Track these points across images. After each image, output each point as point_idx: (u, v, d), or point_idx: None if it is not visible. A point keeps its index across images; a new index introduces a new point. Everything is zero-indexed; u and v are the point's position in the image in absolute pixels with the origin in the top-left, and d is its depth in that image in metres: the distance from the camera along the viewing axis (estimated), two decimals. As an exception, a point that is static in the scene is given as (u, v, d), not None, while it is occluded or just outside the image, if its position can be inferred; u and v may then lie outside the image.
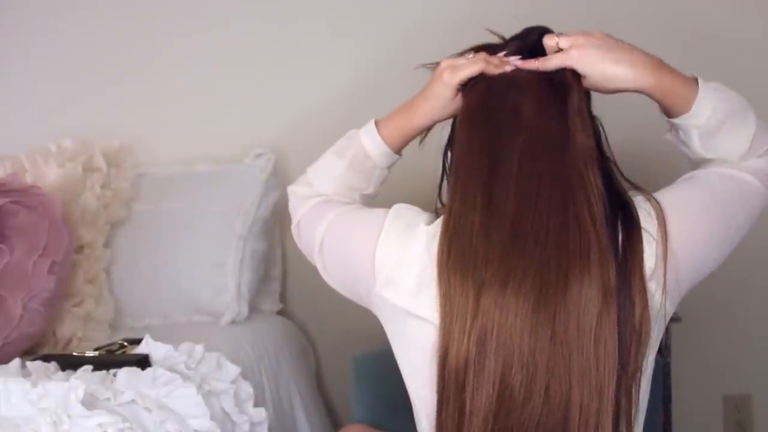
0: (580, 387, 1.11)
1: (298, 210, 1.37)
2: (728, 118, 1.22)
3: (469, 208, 1.17)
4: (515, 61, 1.24)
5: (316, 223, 1.32)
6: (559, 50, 1.22)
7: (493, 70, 1.24)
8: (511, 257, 1.13)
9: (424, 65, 1.35)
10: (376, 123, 1.34)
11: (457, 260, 1.14)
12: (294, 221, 1.38)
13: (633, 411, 1.15)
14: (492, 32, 1.33)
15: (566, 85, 1.22)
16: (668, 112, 1.25)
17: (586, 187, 1.16)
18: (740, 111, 1.24)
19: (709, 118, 1.21)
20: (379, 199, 1.38)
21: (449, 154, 1.32)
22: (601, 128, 1.26)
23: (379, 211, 1.26)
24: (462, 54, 1.29)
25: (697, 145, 1.24)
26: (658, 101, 1.25)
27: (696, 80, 1.23)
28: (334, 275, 1.32)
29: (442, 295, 1.15)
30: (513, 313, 1.11)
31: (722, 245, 1.22)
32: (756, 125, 1.24)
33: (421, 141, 1.37)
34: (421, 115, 1.31)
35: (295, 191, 1.40)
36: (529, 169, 1.16)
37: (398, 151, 1.36)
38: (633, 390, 1.15)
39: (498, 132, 1.20)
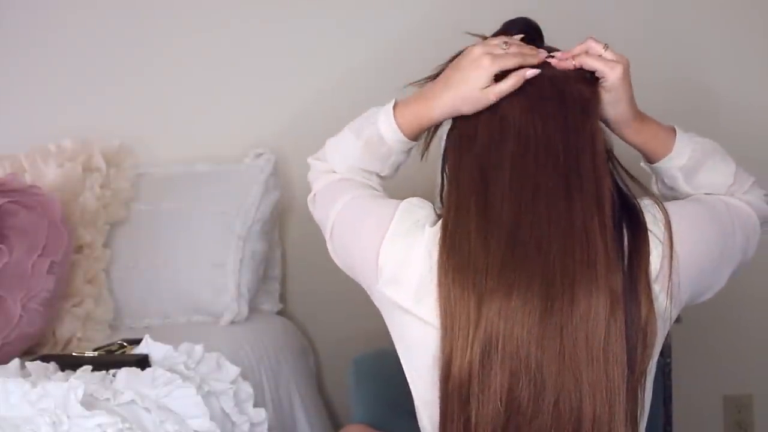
0: (592, 401, 1.10)
1: (316, 183, 1.35)
2: (708, 157, 1.28)
3: (464, 216, 1.15)
4: (557, 62, 1.23)
5: (329, 203, 1.30)
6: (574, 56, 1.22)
7: (531, 60, 1.21)
8: (513, 265, 1.12)
9: (413, 83, 1.32)
10: (396, 106, 1.28)
11: (456, 268, 1.13)
12: (312, 192, 1.36)
13: (639, 412, 1.15)
14: (472, 34, 1.31)
15: (585, 88, 1.22)
16: (651, 157, 1.29)
17: (599, 193, 1.15)
18: (719, 152, 1.30)
19: (690, 158, 1.27)
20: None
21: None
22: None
23: (390, 205, 1.23)
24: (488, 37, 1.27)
25: (683, 185, 1.29)
26: (640, 145, 1.29)
27: (673, 128, 1.29)
28: (340, 257, 1.30)
29: (443, 308, 1.14)
30: (519, 324, 1.10)
31: (719, 262, 1.23)
32: (735, 164, 1.29)
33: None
34: (444, 106, 1.23)
35: (314, 165, 1.37)
36: (522, 176, 1.15)
37: (415, 138, 1.29)
38: (639, 391, 1.15)
39: (485, 145, 1.19)
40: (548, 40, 1.32)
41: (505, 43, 1.22)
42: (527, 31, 1.27)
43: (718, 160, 1.28)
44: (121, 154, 2.24)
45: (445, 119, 1.26)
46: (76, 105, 2.34)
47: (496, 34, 1.29)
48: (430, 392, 1.17)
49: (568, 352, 1.10)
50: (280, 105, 2.31)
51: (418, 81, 1.31)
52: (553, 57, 1.23)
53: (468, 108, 1.21)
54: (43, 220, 1.87)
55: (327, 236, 1.30)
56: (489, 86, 1.20)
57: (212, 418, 1.47)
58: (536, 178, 1.15)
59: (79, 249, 2.04)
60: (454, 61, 1.25)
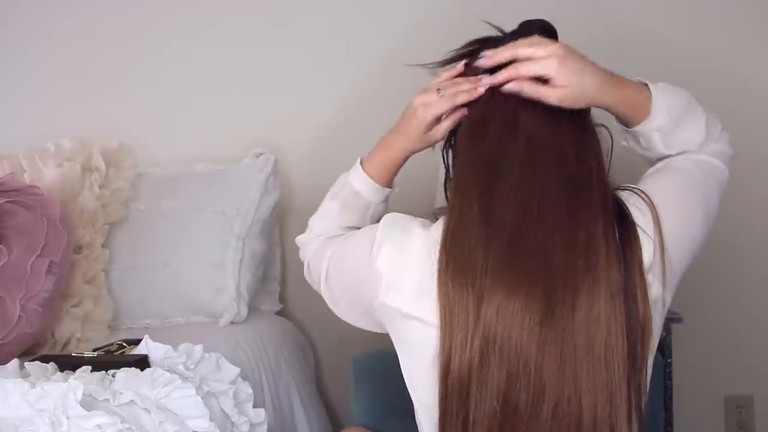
0: (592, 401, 1.11)
1: (306, 254, 1.41)
2: (683, 113, 1.28)
3: (466, 214, 1.16)
4: (485, 80, 1.24)
5: (320, 258, 1.34)
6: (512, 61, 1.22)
7: (465, 98, 1.25)
8: (515, 267, 1.12)
9: (423, 65, 1.34)
10: (362, 161, 1.37)
11: (456, 266, 1.14)
12: (305, 266, 1.41)
13: (641, 404, 1.16)
14: (491, 25, 1.32)
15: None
16: (628, 123, 1.29)
17: (605, 199, 1.17)
18: (691, 105, 1.30)
19: (666, 119, 1.26)
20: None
21: (449, 153, 1.32)
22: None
23: (369, 227, 1.28)
24: (442, 66, 1.32)
25: (660, 146, 1.29)
26: (619, 114, 1.27)
27: (646, 84, 1.27)
28: (342, 304, 1.33)
29: (442, 306, 1.14)
30: (518, 328, 1.11)
31: (703, 225, 1.25)
32: (704, 114, 1.30)
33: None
34: (398, 149, 1.34)
35: (300, 240, 1.44)
36: (530, 180, 1.16)
37: (388, 185, 1.38)
38: (641, 384, 1.15)
39: (495, 142, 1.20)
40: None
41: (438, 90, 1.27)
42: (541, 33, 1.26)
43: (689, 115, 1.28)
44: (121, 154, 2.24)
45: (405, 158, 1.36)
46: (75, 105, 2.35)
47: (513, 33, 1.29)
48: (431, 395, 1.17)
49: (569, 356, 1.11)
50: (279, 105, 2.31)
51: (429, 64, 1.34)
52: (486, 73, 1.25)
53: (422, 146, 1.33)
54: (42, 220, 1.87)
55: (323, 287, 1.34)
56: (432, 127, 1.29)
57: (212, 418, 1.46)
58: (544, 184, 1.16)
59: (79, 249, 2.04)
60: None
